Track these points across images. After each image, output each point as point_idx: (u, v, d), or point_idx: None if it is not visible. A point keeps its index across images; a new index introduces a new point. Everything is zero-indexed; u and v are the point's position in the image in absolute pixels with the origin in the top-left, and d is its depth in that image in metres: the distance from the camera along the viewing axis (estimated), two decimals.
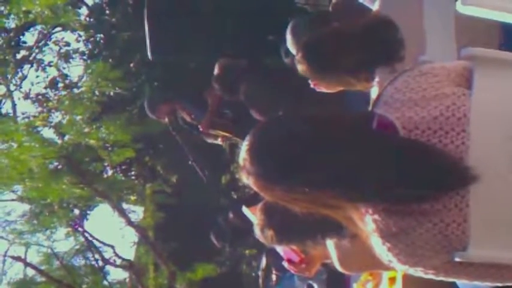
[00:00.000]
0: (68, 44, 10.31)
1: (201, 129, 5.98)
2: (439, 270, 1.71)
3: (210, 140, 6.26)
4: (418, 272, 1.72)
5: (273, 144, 1.69)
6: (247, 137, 1.73)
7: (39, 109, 10.15)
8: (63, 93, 10.03)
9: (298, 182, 1.64)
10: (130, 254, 10.58)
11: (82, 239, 9.95)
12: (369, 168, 1.61)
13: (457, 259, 1.67)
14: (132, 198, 10.32)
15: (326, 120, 1.71)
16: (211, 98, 5.85)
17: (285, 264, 3.10)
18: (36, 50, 10.42)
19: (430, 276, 1.73)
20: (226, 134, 6.04)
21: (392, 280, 2.93)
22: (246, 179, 1.72)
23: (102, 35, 9.26)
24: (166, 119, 6.26)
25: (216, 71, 5.34)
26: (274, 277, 5.71)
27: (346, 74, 2.68)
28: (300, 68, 2.75)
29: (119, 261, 9.86)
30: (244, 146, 1.72)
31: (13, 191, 8.95)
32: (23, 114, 10.17)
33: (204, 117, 5.91)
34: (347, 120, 1.73)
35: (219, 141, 6.27)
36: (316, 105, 1.79)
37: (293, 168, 1.65)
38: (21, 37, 10.16)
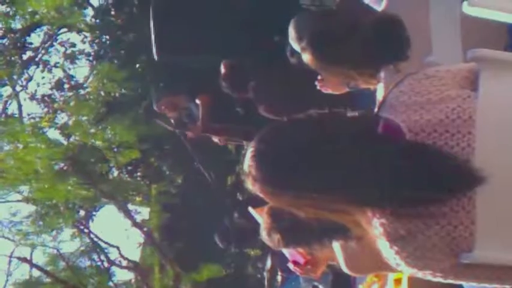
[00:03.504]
0: (73, 45, 10.34)
1: (188, 136, 5.97)
2: (447, 273, 1.71)
3: (215, 140, 6.23)
4: (427, 276, 1.71)
5: (279, 150, 1.68)
6: (252, 143, 1.72)
7: (45, 110, 10.18)
8: (69, 94, 10.06)
9: (304, 188, 1.64)
10: (135, 255, 10.64)
11: (88, 240, 10.00)
12: (376, 172, 1.61)
13: (464, 261, 1.67)
14: (138, 199, 10.34)
15: (332, 125, 1.70)
16: (202, 104, 5.71)
17: (291, 266, 3.10)
18: (42, 51, 10.44)
19: (439, 279, 1.72)
20: (219, 140, 5.96)
21: (398, 282, 2.93)
22: (252, 186, 1.70)
23: (107, 36, 9.28)
24: (170, 115, 6.18)
25: (222, 70, 5.32)
26: (279, 278, 5.71)
27: (349, 67, 2.66)
28: (304, 56, 2.72)
29: (124, 262, 9.90)
30: (249, 153, 1.71)
31: (19, 192, 8.99)
32: (28, 115, 10.21)
33: (195, 125, 5.83)
34: (353, 124, 1.73)
35: (218, 141, 6.22)
36: (323, 104, 1.78)
37: (299, 174, 1.64)
38: (27, 38, 10.18)
